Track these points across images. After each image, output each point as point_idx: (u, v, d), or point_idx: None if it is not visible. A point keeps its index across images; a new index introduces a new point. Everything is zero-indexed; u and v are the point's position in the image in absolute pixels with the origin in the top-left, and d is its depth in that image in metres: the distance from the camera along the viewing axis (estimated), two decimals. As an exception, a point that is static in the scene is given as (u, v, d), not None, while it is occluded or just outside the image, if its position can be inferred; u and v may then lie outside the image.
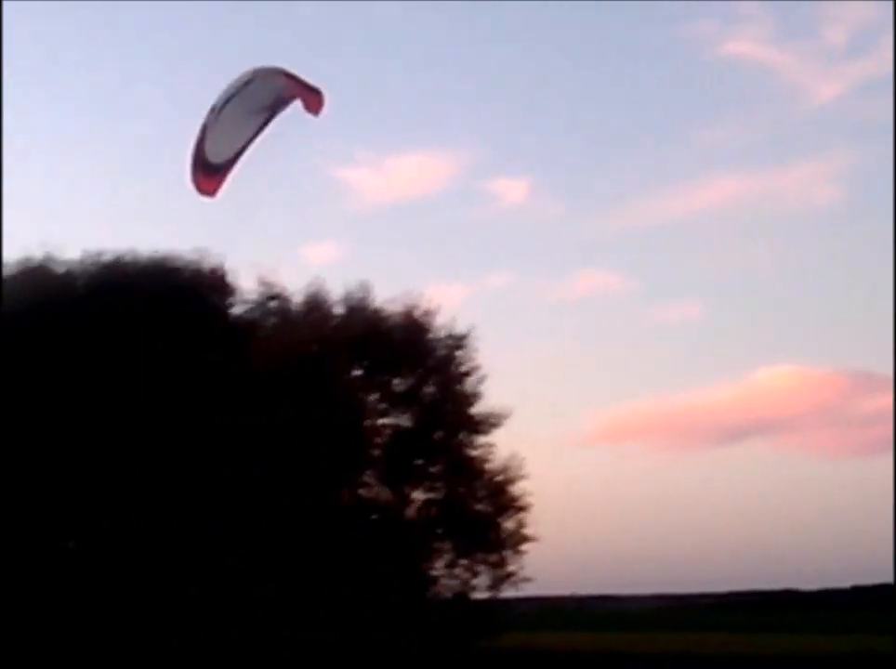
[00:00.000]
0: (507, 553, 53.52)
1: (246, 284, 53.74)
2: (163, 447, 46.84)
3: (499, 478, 53.88)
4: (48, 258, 52.24)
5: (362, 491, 53.36)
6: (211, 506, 46.85)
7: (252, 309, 54.19)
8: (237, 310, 54.18)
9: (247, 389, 48.26)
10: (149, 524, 46.20)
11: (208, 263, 52.78)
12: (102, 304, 49.34)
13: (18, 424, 46.91)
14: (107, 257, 52.33)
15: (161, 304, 49.50)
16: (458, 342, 54.88)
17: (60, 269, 52.39)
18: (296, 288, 54.27)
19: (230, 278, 53.49)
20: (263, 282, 53.59)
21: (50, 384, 47.59)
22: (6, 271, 51.96)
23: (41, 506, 46.73)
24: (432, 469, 54.10)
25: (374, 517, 52.63)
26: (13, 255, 52.00)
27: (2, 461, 46.80)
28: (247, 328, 52.83)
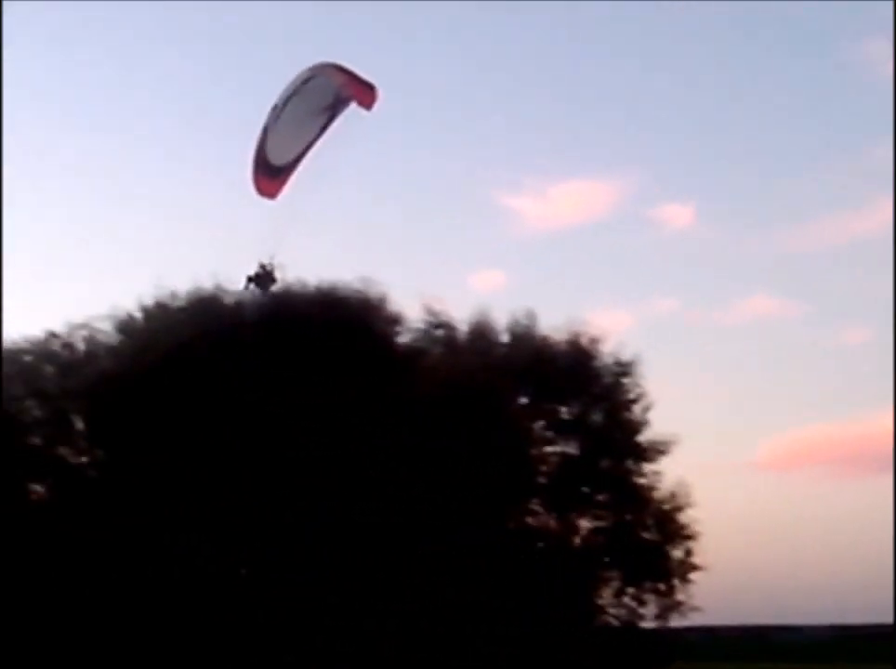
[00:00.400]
0: (676, 582, 52.99)
1: (412, 313, 54.21)
2: (326, 475, 47.35)
3: (667, 506, 53.42)
4: (219, 289, 53.15)
5: (528, 519, 53.22)
6: (374, 533, 47.21)
7: (418, 338, 54.50)
8: (403, 339, 54.49)
9: (413, 418, 48.50)
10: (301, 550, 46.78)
11: (374, 292, 53.24)
12: (271, 334, 50.02)
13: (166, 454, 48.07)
14: (275, 287, 53.08)
15: (328, 333, 50.06)
16: (625, 369, 54.58)
17: (230, 300, 53.27)
18: (461, 316, 54.62)
19: (396, 307, 53.93)
20: (429, 311, 54.00)
21: (218, 413, 48.39)
22: (179, 302, 53.07)
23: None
24: (599, 497, 53.78)
25: (540, 545, 52.46)
26: (184, 286, 53.15)
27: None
28: (413, 357, 53.18)
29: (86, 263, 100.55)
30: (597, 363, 54.62)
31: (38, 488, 52.77)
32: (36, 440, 52.84)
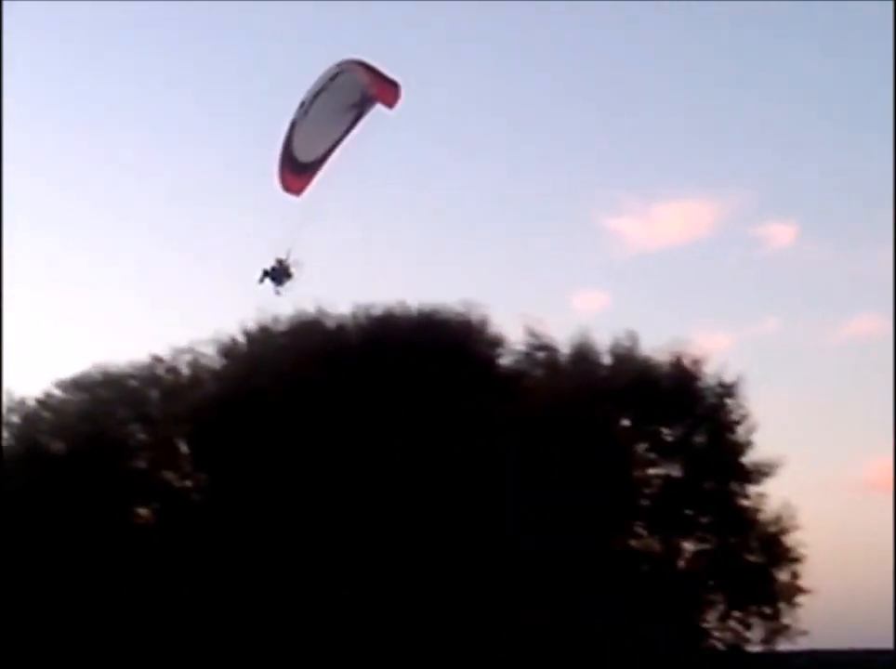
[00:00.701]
0: (782, 605, 52.26)
1: (514, 335, 54.05)
2: (429, 495, 47.40)
3: (772, 528, 52.73)
4: (321, 313, 53.28)
5: (632, 542, 52.81)
6: (476, 553, 47.15)
7: (520, 360, 54.35)
8: (505, 361, 54.37)
9: (515, 440, 48.34)
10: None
11: (476, 314, 53.21)
12: (373, 357, 50.08)
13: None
14: (377, 311, 53.29)
15: (430, 356, 50.06)
16: (728, 390, 53.97)
17: (332, 324, 53.40)
18: (563, 338, 54.34)
19: (497, 329, 53.82)
20: (531, 333, 53.81)
21: (321, 436, 48.55)
22: (281, 326, 53.31)
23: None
24: (703, 519, 53.19)
25: (644, 567, 52.04)
26: (286, 310, 53.36)
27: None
28: (515, 379, 53.04)
29: (190, 287, 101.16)
30: (700, 385, 54.12)
31: (143, 511, 53.25)
32: (141, 464, 53.48)
